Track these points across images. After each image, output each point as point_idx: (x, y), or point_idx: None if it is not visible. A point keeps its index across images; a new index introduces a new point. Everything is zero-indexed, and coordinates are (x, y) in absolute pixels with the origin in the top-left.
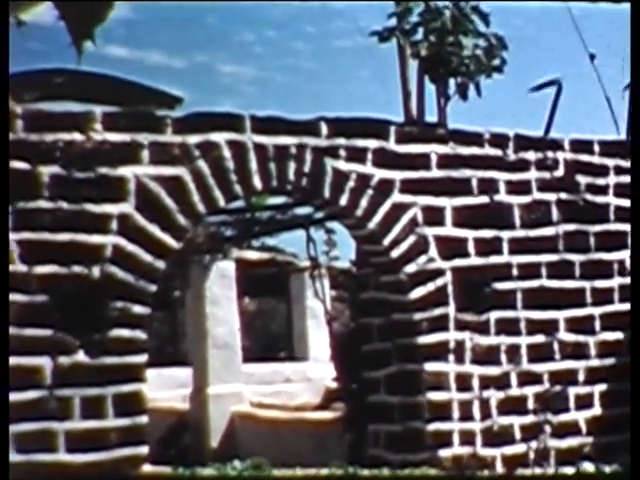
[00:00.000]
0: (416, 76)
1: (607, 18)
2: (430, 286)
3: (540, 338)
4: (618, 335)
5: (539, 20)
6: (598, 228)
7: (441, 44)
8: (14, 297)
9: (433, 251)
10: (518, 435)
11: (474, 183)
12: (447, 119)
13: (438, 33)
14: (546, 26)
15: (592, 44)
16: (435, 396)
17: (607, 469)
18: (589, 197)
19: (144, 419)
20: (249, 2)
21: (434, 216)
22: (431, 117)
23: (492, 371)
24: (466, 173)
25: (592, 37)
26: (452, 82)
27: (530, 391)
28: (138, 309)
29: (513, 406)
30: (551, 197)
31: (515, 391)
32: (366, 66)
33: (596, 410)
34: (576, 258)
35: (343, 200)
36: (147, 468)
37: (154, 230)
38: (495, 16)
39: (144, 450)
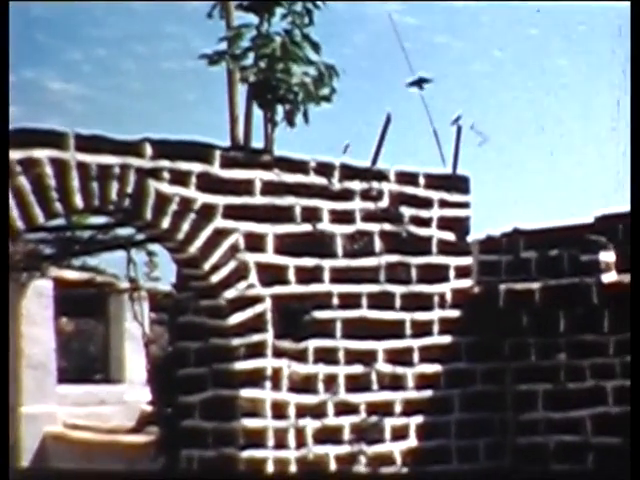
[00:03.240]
0: (244, 101)
1: (440, 52)
2: (249, 312)
3: (358, 368)
4: (436, 367)
5: (369, 50)
6: (420, 260)
7: (270, 70)
8: None
9: (253, 277)
10: (333, 465)
11: (297, 211)
12: (274, 146)
13: (268, 59)
14: (377, 56)
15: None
16: (250, 423)
17: None
18: (412, 229)
19: None
20: (78, 20)
21: (256, 242)
22: (258, 143)
23: (309, 400)
24: (290, 200)
25: (424, 69)
26: (280, 109)
27: (346, 421)
28: None
29: (329, 435)
30: (374, 228)
31: (331, 420)
32: (194, 89)
33: (411, 442)
34: (397, 289)
35: (165, 223)
36: None
37: None
38: (326, 45)
39: None
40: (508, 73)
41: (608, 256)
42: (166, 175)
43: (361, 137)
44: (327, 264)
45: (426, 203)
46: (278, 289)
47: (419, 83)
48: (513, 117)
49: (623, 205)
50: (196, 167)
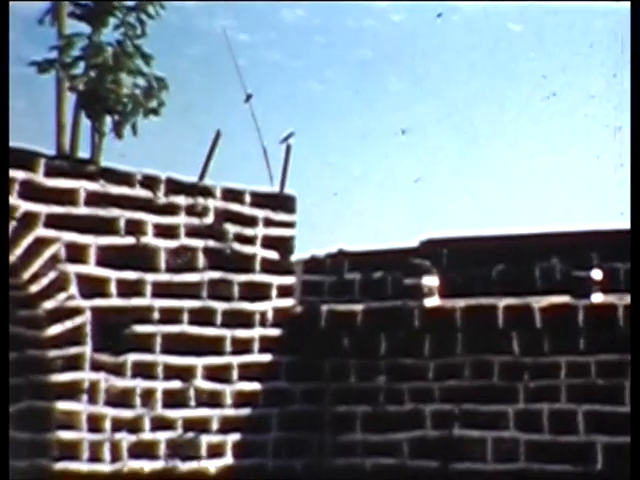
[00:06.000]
0: (73, 110)
1: (272, 69)
2: (68, 324)
3: (176, 384)
4: (255, 386)
5: (202, 65)
6: (243, 278)
7: (100, 80)
8: None
9: (74, 289)
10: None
11: (121, 223)
12: (100, 157)
13: (98, 69)
14: (210, 71)
15: (256, 96)
16: (65, 435)
17: None
18: (236, 246)
19: None
20: None
21: (77, 253)
22: (85, 153)
23: (125, 414)
24: (114, 212)
25: (257, 86)
26: (109, 120)
27: (162, 436)
28: None
29: (144, 450)
30: (199, 243)
31: (147, 435)
32: (22, 96)
33: (227, 459)
34: (219, 306)
35: None
36: None
37: None
38: (158, 58)
39: None
40: (339, 93)
41: (431, 280)
42: None
43: (190, 152)
44: (149, 278)
45: (251, 221)
46: (98, 302)
47: (247, 99)
48: (344, 137)
49: (447, 230)
50: (19, 174)
